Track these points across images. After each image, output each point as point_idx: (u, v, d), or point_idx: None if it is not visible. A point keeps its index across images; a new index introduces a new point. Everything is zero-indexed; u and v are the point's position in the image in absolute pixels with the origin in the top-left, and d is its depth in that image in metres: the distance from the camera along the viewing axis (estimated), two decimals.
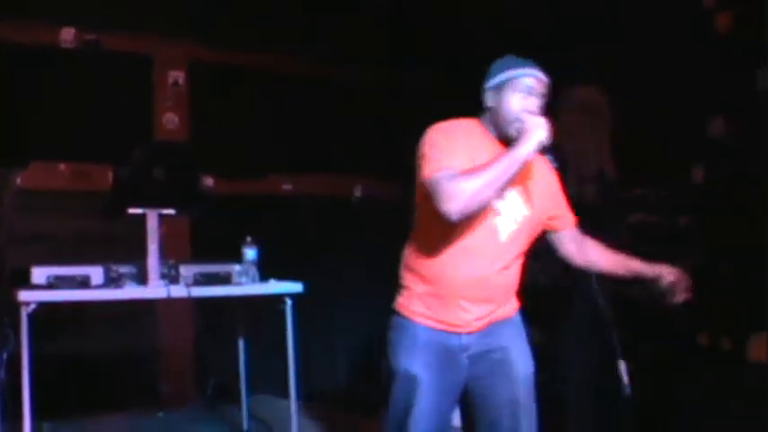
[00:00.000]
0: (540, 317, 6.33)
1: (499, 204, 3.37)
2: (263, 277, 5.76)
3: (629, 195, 5.88)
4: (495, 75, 3.46)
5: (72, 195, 6.93)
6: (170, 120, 7.39)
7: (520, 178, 3.36)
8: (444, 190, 3.11)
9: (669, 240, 5.63)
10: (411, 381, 3.40)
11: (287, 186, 7.82)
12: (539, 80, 3.43)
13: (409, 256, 3.53)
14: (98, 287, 5.32)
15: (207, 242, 6.98)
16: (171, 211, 5.62)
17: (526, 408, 3.50)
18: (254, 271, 5.69)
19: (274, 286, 5.72)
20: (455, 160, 3.22)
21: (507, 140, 3.34)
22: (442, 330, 3.43)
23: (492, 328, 3.49)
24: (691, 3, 5.44)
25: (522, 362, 3.53)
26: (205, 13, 7.27)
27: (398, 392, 3.44)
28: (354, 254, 7.59)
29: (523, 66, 3.44)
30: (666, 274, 3.69)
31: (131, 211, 5.51)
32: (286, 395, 5.76)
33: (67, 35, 6.99)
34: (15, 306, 4.90)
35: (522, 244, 3.52)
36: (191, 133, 7.41)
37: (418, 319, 3.46)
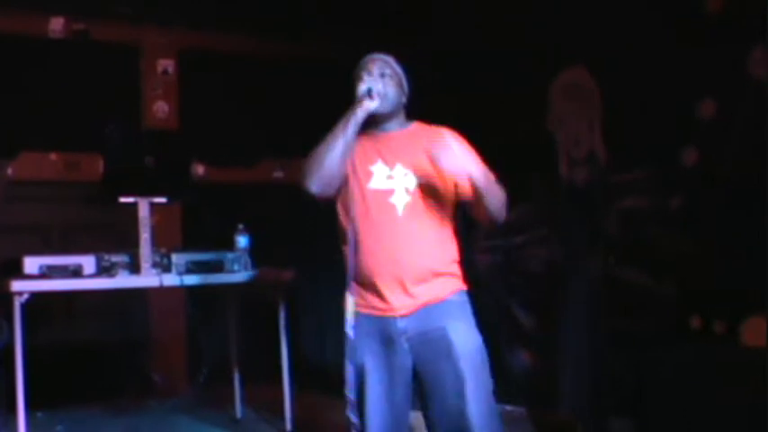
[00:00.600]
0: (534, 303, 6.39)
1: (390, 182, 3.54)
2: (256, 265, 5.77)
3: (619, 179, 5.88)
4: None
5: (63, 185, 6.94)
6: (160, 108, 7.40)
7: (406, 150, 3.59)
8: (301, 172, 3.49)
9: (660, 224, 5.64)
10: (359, 368, 3.53)
11: (278, 173, 7.83)
12: (374, 61, 3.70)
13: (344, 255, 3.64)
14: (90, 276, 5.34)
15: (199, 230, 6.98)
16: (162, 200, 5.65)
17: (473, 384, 3.49)
18: (246, 258, 5.71)
19: (266, 274, 5.73)
20: None
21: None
22: (378, 316, 3.53)
23: (427, 309, 3.53)
24: None
25: (462, 339, 3.52)
26: (193, 0, 7.25)
27: (351, 379, 3.52)
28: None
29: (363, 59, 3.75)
30: None
31: (123, 199, 5.53)
32: (279, 382, 5.77)
33: (56, 25, 6.99)
34: (8, 296, 4.90)
35: (427, 217, 3.58)
36: (181, 121, 7.42)
37: (360, 309, 3.55)
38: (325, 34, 7.62)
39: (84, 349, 6.70)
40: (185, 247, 6.54)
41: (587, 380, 5.95)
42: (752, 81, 4.99)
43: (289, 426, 5.86)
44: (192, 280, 5.55)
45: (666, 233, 5.55)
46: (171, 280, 5.43)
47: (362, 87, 3.52)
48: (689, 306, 5.39)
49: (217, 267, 5.67)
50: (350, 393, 3.52)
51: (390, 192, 3.53)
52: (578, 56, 6.09)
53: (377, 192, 3.53)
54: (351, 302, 3.52)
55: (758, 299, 4.96)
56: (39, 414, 5.99)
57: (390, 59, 3.72)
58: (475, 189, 3.51)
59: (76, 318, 6.73)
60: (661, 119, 5.50)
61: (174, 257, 5.57)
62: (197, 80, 7.49)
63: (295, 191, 7.33)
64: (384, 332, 3.53)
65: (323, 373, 7.12)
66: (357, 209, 3.51)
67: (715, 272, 5.22)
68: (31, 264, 5.24)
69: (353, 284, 3.55)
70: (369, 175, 3.56)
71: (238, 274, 5.67)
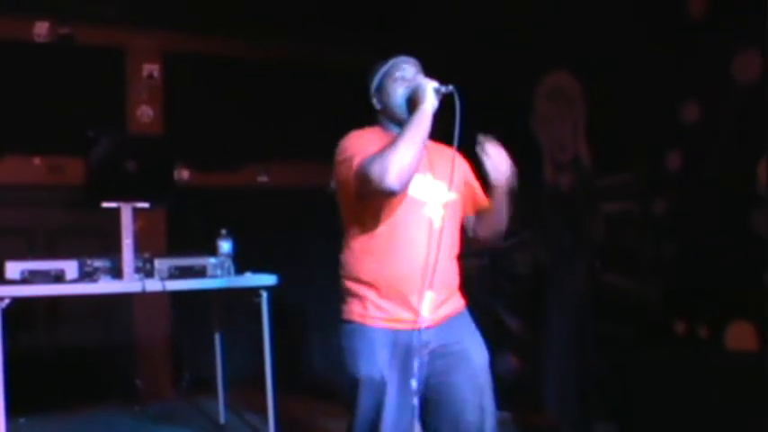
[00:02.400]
0: (520, 307, 6.38)
1: (424, 194, 3.49)
2: (239, 270, 5.75)
3: (604, 182, 5.88)
4: (372, 80, 3.71)
5: (47, 189, 6.91)
6: (145, 113, 7.37)
7: (435, 164, 3.55)
8: (374, 169, 3.23)
9: (645, 227, 5.64)
10: (376, 385, 3.38)
11: (262, 178, 7.81)
12: (408, 63, 3.67)
13: (351, 264, 3.52)
14: (73, 281, 5.30)
15: (183, 235, 6.96)
16: (145, 205, 5.61)
17: (488, 398, 3.51)
18: (229, 263, 5.69)
19: (249, 279, 5.71)
20: (370, 149, 3.36)
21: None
22: (400, 330, 3.43)
23: (449, 321, 3.52)
24: None
25: (478, 353, 3.54)
26: (178, 3, 7.23)
27: (365, 400, 3.39)
28: (330, 244, 7.55)
29: (390, 61, 3.68)
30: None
31: (105, 204, 5.50)
32: (263, 387, 5.75)
33: (41, 29, 6.97)
34: None
35: (454, 229, 3.62)
36: (166, 126, 7.39)
37: (374, 323, 3.44)
38: (310, 38, 7.61)
39: (67, 354, 6.67)
40: (170, 252, 6.52)
41: (573, 384, 5.95)
42: (735, 84, 4.99)
43: (272, 431, 5.84)
44: (174, 285, 5.51)
45: (651, 237, 5.55)
46: (153, 285, 5.39)
47: (433, 84, 3.43)
48: (673, 310, 5.39)
49: (200, 272, 5.64)
50: (360, 408, 3.39)
51: (425, 203, 3.49)
52: (563, 60, 6.10)
53: (415, 200, 3.47)
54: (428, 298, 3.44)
55: (742, 303, 4.96)
56: (21, 420, 5.95)
57: (418, 63, 3.70)
58: (498, 199, 3.62)
59: (60, 322, 6.70)
60: (645, 122, 5.51)
61: (157, 263, 5.54)
62: (182, 84, 7.46)
63: (280, 195, 7.34)
64: (403, 345, 3.41)
65: (307, 378, 7.12)
66: (397, 214, 3.43)
67: (699, 276, 5.22)
68: (13, 269, 5.20)
69: (372, 297, 3.44)
70: None
71: (221, 279, 5.65)
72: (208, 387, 6.51)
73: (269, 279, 5.71)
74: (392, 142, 3.30)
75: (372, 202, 3.41)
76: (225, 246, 5.70)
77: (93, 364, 6.78)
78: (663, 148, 5.47)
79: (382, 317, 3.43)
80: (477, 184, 3.77)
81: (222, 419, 6.40)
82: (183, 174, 7.28)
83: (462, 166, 3.71)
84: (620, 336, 5.68)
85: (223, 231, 5.71)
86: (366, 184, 3.28)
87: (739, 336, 5.00)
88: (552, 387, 6.02)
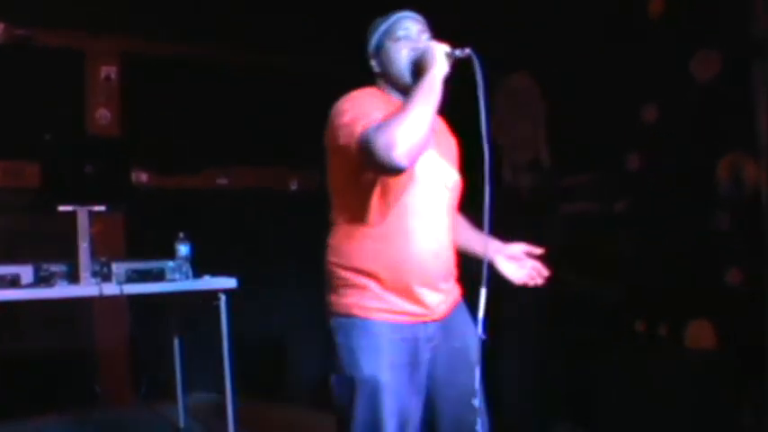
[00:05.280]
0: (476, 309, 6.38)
1: (431, 173, 3.20)
2: (198, 273, 5.72)
3: (564, 183, 5.89)
4: (370, 40, 3.37)
5: (3, 192, 6.84)
6: (102, 115, 7.31)
7: (440, 140, 3.31)
8: (380, 141, 2.87)
9: (605, 228, 5.65)
10: (378, 387, 3.06)
11: (222, 180, 7.76)
12: (411, 20, 3.35)
13: (347, 249, 3.20)
14: (28, 286, 5.24)
15: (142, 239, 6.90)
16: (101, 208, 5.57)
17: (481, 396, 3.24)
18: (187, 267, 5.66)
19: (208, 282, 5.68)
20: (374, 115, 3.02)
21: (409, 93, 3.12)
22: (407, 323, 3.16)
23: (452, 315, 3.31)
24: None
25: (476, 349, 3.21)
26: (136, 6, 7.18)
27: (364, 402, 3.06)
28: (290, 248, 7.54)
29: (391, 16, 3.36)
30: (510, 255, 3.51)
31: (61, 208, 5.45)
32: (222, 392, 5.71)
33: None
34: None
35: (455, 214, 3.41)
36: (123, 128, 7.33)
37: (378, 316, 3.14)
38: (270, 41, 7.58)
39: (24, 361, 6.60)
40: (129, 255, 6.48)
41: (533, 386, 5.95)
42: (694, 84, 5.01)
43: None
44: (132, 289, 5.46)
45: (611, 237, 5.56)
46: (111, 289, 5.35)
47: (443, 48, 3.11)
48: (633, 309, 5.41)
49: (158, 276, 5.59)
50: (359, 412, 3.07)
51: (432, 183, 3.20)
52: (521, 61, 6.10)
53: (423, 179, 3.16)
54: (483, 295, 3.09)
55: (701, 302, 4.99)
56: None
57: (423, 19, 3.37)
58: (469, 247, 3.50)
59: (16, 328, 6.62)
60: (605, 123, 5.53)
61: (115, 266, 5.49)
62: (140, 87, 7.41)
63: (239, 198, 7.27)
64: (410, 340, 3.16)
65: (267, 381, 7.08)
66: (402, 194, 3.12)
67: (659, 275, 5.24)
68: None
69: (369, 282, 3.14)
70: None
71: (179, 282, 5.61)
72: (167, 392, 6.47)
73: (228, 282, 5.67)
74: (399, 111, 2.96)
75: (375, 178, 3.10)
76: (183, 249, 5.67)
77: (50, 371, 6.70)
78: (622, 149, 5.49)
79: (386, 308, 3.14)
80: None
81: (182, 423, 6.37)
82: (142, 177, 7.22)
83: (454, 144, 3.50)
84: (581, 335, 5.68)
85: (181, 234, 5.68)
86: (369, 156, 2.90)
87: (699, 334, 5.03)
88: (512, 389, 6.01)
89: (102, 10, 7.12)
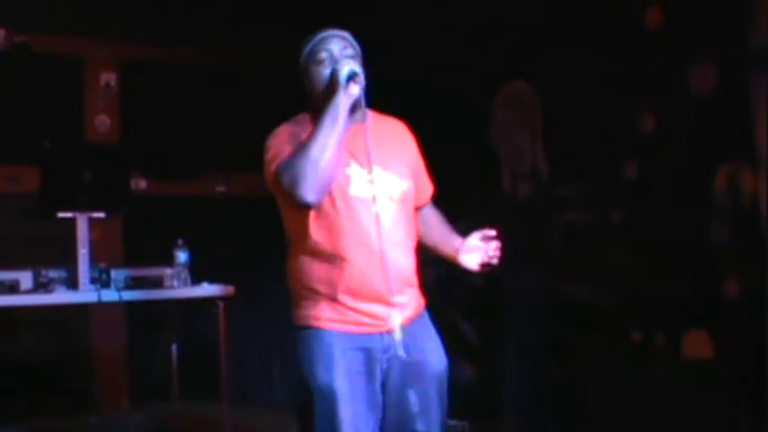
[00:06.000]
0: (478, 316, 6.39)
1: (371, 188, 3.18)
2: (196, 280, 5.73)
3: (562, 192, 5.90)
4: (299, 63, 3.36)
5: (2, 198, 6.84)
6: (102, 122, 7.32)
7: (382, 151, 3.24)
8: (287, 179, 2.99)
9: (602, 237, 5.65)
10: (333, 394, 3.09)
11: (220, 187, 7.77)
12: (334, 38, 3.32)
13: (299, 270, 3.25)
14: (27, 292, 5.26)
15: (140, 245, 6.91)
16: (101, 215, 5.58)
17: (438, 408, 3.30)
18: (185, 274, 5.67)
19: (206, 289, 5.69)
20: (285, 151, 3.10)
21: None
22: (359, 333, 3.17)
23: (411, 326, 3.26)
24: None
25: (437, 361, 3.30)
26: (136, 12, 7.20)
27: (322, 410, 3.10)
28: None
29: (315, 37, 3.34)
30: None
31: (60, 214, 5.47)
32: (219, 399, 5.72)
33: None
34: None
35: (409, 222, 3.34)
36: (123, 135, 7.34)
37: (331, 326, 3.17)
38: (270, 48, 7.59)
39: (22, 365, 6.60)
40: (127, 262, 6.48)
41: (530, 394, 5.96)
42: (692, 95, 5.02)
43: None
44: (130, 295, 5.49)
45: (608, 246, 5.57)
46: (109, 296, 5.37)
47: (345, 70, 3.10)
48: (630, 319, 5.41)
49: (156, 283, 5.62)
50: (317, 421, 3.10)
51: (372, 199, 3.17)
52: (520, 69, 6.11)
53: (359, 199, 3.15)
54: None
55: (698, 311, 4.99)
56: None
57: (349, 36, 3.34)
58: (437, 250, 3.53)
59: (14, 334, 6.63)
60: (602, 132, 5.53)
61: (113, 273, 5.52)
62: (140, 93, 7.42)
63: (238, 205, 7.27)
64: (364, 350, 3.17)
65: (263, 388, 7.08)
66: (341, 218, 3.13)
67: (656, 284, 5.24)
68: None
69: (328, 299, 3.17)
70: (347, 179, 3.16)
71: (178, 289, 5.62)
72: (164, 398, 6.47)
73: (226, 290, 5.69)
74: (302, 144, 3.03)
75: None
76: (182, 256, 5.68)
77: (48, 376, 6.71)
78: (620, 158, 5.49)
79: (337, 318, 3.17)
80: (423, 173, 3.53)
81: (179, 430, 6.35)
82: (141, 183, 7.23)
83: (411, 147, 3.46)
84: (577, 344, 5.69)
85: (180, 241, 5.69)
86: (281, 194, 3.08)
87: (695, 344, 5.03)
88: (509, 396, 6.03)
89: (101, 17, 7.14)
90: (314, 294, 3.20)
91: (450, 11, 6.28)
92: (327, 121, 3.04)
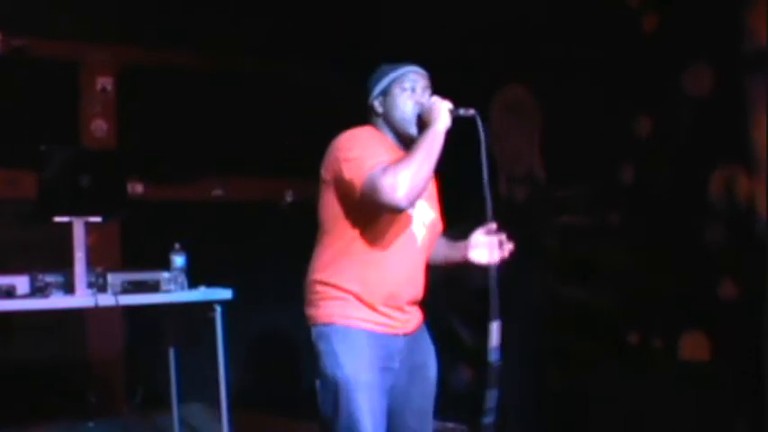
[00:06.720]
0: (475, 320, 6.39)
1: (413, 212, 3.44)
2: (193, 284, 5.72)
3: (558, 196, 5.90)
4: (378, 82, 3.60)
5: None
6: (98, 127, 7.31)
7: None
8: (386, 182, 3.15)
9: (599, 240, 5.66)
10: (362, 386, 3.31)
11: (217, 191, 7.76)
12: (419, 74, 3.58)
13: (332, 266, 3.45)
14: (23, 297, 5.25)
15: (137, 250, 6.91)
16: (97, 219, 5.58)
17: (430, 407, 3.64)
18: (182, 278, 5.67)
19: (203, 293, 5.69)
20: (381, 157, 3.28)
21: (405, 140, 3.48)
22: (381, 333, 3.41)
23: (417, 333, 3.58)
24: (617, 3, 5.48)
25: (433, 367, 3.64)
26: (132, 18, 7.19)
27: (347, 399, 3.30)
28: (285, 259, 7.52)
29: (402, 66, 3.59)
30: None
31: (57, 219, 5.46)
32: (217, 403, 5.72)
33: None
34: None
35: (430, 248, 3.63)
36: (119, 140, 7.34)
37: (357, 324, 3.39)
38: (268, 52, 7.60)
39: (18, 370, 6.59)
40: (124, 266, 6.48)
41: (529, 396, 5.96)
42: (687, 98, 5.03)
43: None
44: (127, 300, 5.47)
45: (605, 249, 5.57)
46: (106, 300, 5.35)
47: (446, 105, 3.37)
48: (627, 321, 5.42)
49: (153, 287, 5.60)
50: (343, 411, 3.29)
51: (413, 220, 3.46)
52: (518, 73, 6.11)
53: (407, 216, 3.42)
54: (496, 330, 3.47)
55: (695, 313, 5.00)
56: None
57: (428, 76, 3.62)
58: (445, 260, 3.75)
59: (11, 338, 6.62)
60: (599, 136, 5.54)
61: (110, 277, 5.50)
62: (136, 98, 7.41)
63: (235, 209, 7.27)
64: (385, 349, 3.41)
65: (262, 391, 7.08)
66: (392, 230, 3.39)
67: (653, 287, 5.25)
68: None
69: (350, 296, 3.39)
70: None
71: (175, 293, 5.62)
72: (162, 402, 6.46)
73: (223, 293, 5.68)
74: (406, 157, 3.25)
75: (367, 211, 3.34)
76: (178, 260, 5.67)
77: (45, 381, 6.70)
78: (616, 161, 5.51)
79: (363, 318, 3.39)
80: (439, 212, 3.75)
81: None
82: (137, 188, 7.22)
83: (434, 187, 3.71)
84: (575, 347, 5.69)
85: (176, 245, 5.69)
86: (374, 194, 3.20)
87: (693, 346, 5.04)
88: (507, 400, 6.02)
89: (98, 22, 7.13)
90: (342, 293, 3.41)
91: (450, 11, 6.29)
92: (428, 142, 3.27)
